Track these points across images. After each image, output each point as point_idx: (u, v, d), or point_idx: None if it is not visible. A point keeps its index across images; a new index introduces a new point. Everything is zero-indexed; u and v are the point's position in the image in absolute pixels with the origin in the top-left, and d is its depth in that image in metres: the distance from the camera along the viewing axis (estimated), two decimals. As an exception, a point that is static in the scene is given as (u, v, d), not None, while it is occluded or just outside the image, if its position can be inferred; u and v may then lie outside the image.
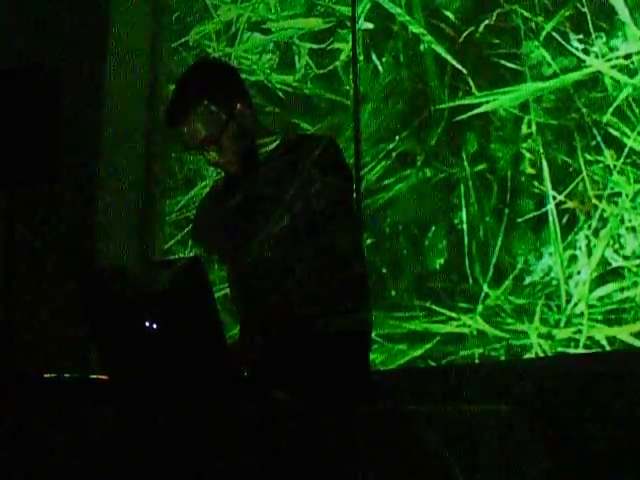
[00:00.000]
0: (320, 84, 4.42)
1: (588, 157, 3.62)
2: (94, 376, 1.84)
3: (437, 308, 3.84)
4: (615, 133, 3.57)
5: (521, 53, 3.86)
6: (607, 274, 3.49)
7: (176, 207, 4.75)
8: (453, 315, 3.80)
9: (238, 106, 2.36)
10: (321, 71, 4.44)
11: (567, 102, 3.72)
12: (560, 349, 3.56)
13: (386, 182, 4.09)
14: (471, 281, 3.79)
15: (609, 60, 3.64)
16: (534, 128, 3.77)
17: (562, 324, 3.56)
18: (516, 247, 3.73)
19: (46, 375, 1.86)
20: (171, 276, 1.68)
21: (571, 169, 3.65)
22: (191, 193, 4.69)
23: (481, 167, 3.87)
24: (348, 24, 4.37)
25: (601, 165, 3.58)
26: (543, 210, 3.69)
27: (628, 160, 3.53)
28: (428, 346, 3.84)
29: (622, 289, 3.46)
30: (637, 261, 3.44)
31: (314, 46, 4.49)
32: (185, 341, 1.70)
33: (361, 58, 4.27)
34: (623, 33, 3.64)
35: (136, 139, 4.83)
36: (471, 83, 3.96)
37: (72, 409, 1.73)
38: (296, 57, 4.54)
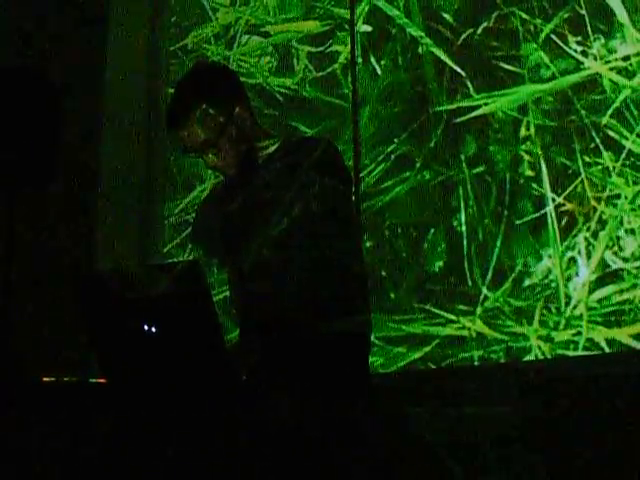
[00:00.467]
0: (319, 87, 4.43)
1: (587, 159, 3.62)
2: (93, 379, 1.84)
3: (436, 310, 3.84)
4: (614, 135, 3.58)
5: (520, 55, 3.86)
6: (606, 276, 3.49)
7: (175, 210, 4.75)
8: (452, 317, 3.80)
9: (237, 109, 2.37)
10: (320, 74, 4.44)
11: (566, 104, 3.72)
12: (559, 351, 3.56)
13: (385, 185, 4.09)
14: (470, 283, 3.79)
15: (608, 62, 3.64)
16: (533, 130, 3.77)
17: (561, 326, 3.56)
18: (515, 249, 3.73)
19: (45, 379, 1.86)
20: (170, 279, 1.68)
21: (570, 171, 3.65)
22: (190, 196, 4.69)
23: (480, 169, 3.87)
24: (347, 27, 4.37)
25: (600, 167, 3.59)
26: (542, 212, 3.69)
27: (627, 162, 3.53)
28: (427, 348, 3.84)
29: (621, 291, 3.46)
30: (636, 263, 3.44)
31: (313, 49, 4.49)
32: (184, 344, 1.70)
33: (360, 61, 4.28)
34: (621, 35, 3.64)
35: (135, 142, 4.83)
36: (470, 85, 3.96)
37: (71, 412, 1.73)
38: (295, 60, 4.54)
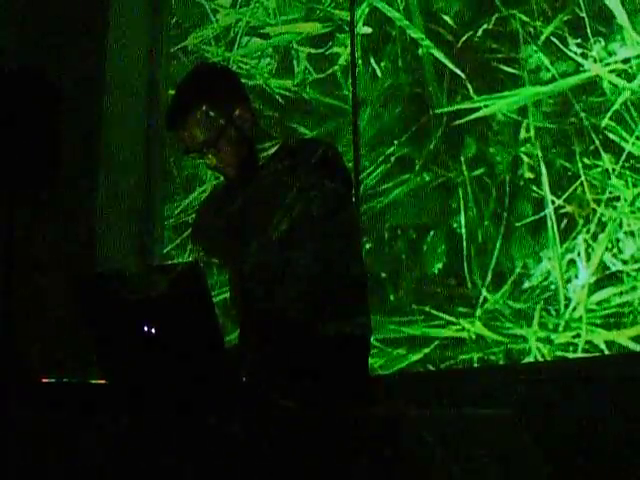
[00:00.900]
0: (319, 89, 4.43)
1: (587, 161, 3.62)
2: (93, 381, 1.84)
3: (436, 312, 3.85)
4: (613, 137, 3.58)
5: (520, 58, 3.86)
6: (606, 278, 3.50)
7: (175, 211, 4.75)
8: (452, 319, 3.80)
9: (237, 110, 2.37)
10: (320, 76, 4.44)
11: (565, 106, 3.72)
12: (559, 353, 3.56)
13: (385, 186, 4.09)
14: (470, 285, 3.79)
15: (607, 64, 3.65)
16: (533, 132, 3.77)
17: (561, 328, 3.57)
18: (515, 251, 3.73)
19: (45, 380, 1.86)
20: (170, 281, 1.68)
21: (570, 173, 3.66)
22: (190, 197, 4.69)
23: (480, 171, 3.87)
24: (347, 29, 4.38)
25: (600, 169, 3.59)
26: (542, 214, 3.69)
27: (627, 164, 3.54)
28: (427, 350, 3.84)
29: (621, 293, 3.46)
30: (636, 265, 3.44)
31: (313, 51, 4.49)
32: (184, 345, 1.70)
33: (360, 63, 4.28)
34: (621, 37, 3.64)
35: (135, 143, 4.83)
36: (470, 87, 3.96)
37: (71, 414, 1.73)
38: (295, 62, 4.55)
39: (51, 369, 3.80)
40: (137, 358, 1.76)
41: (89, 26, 4.71)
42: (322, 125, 4.37)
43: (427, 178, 3.99)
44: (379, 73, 4.24)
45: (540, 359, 3.59)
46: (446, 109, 4.00)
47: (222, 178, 2.50)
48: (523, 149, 3.79)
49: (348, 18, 4.36)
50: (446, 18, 4.09)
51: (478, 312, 3.75)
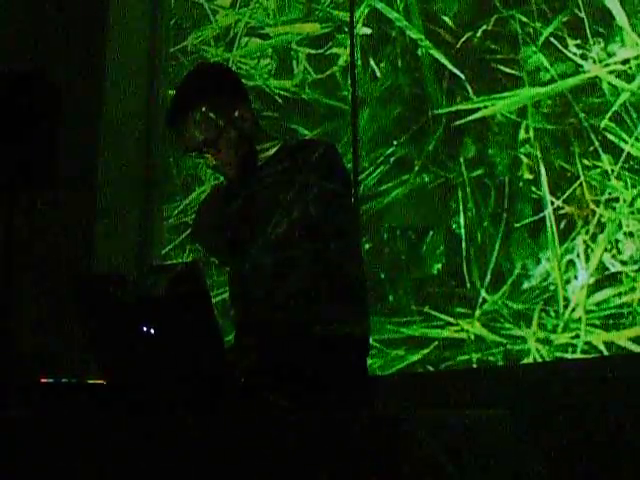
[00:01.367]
0: (318, 89, 4.43)
1: (586, 162, 3.63)
2: (92, 381, 1.84)
3: (435, 313, 3.85)
4: (613, 138, 3.58)
5: (519, 58, 3.87)
6: (605, 279, 3.50)
7: (175, 212, 4.75)
8: (451, 320, 3.80)
9: (237, 110, 2.37)
10: (319, 76, 4.44)
11: (565, 107, 3.73)
12: (558, 354, 3.56)
13: (384, 187, 4.09)
14: (469, 286, 3.79)
15: (607, 65, 3.65)
16: (532, 133, 3.78)
17: (560, 329, 3.57)
18: (514, 252, 3.73)
19: (44, 380, 1.86)
20: (169, 281, 1.68)
21: (569, 174, 3.66)
22: (190, 198, 4.70)
23: (479, 172, 3.88)
24: (346, 29, 4.38)
25: (599, 170, 3.59)
26: (541, 215, 3.69)
27: (626, 165, 3.54)
28: (426, 351, 3.84)
29: (620, 294, 3.46)
30: (635, 266, 3.45)
31: (312, 51, 4.49)
32: (183, 346, 1.70)
33: (359, 63, 4.28)
34: (621, 38, 3.64)
35: (134, 144, 4.83)
36: (469, 88, 3.96)
37: (69, 414, 1.73)
38: (294, 62, 4.55)
39: (50, 369, 3.80)
40: (136, 358, 1.76)
41: (89, 26, 4.71)
42: (321, 125, 4.37)
43: (426, 179, 3.99)
44: (378, 74, 4.24)
45: (539, 360, 3.59)
46: (445, 110, 4.00)
47: (222, 178, 2.50)
48: (522, 150, 3.79)
49: (347, 19, 4.37)
50: (445, 19, 4.09)
51: (477, 313, 3.75)
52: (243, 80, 2.54)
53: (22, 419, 1.70)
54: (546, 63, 3.79)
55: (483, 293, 3.75)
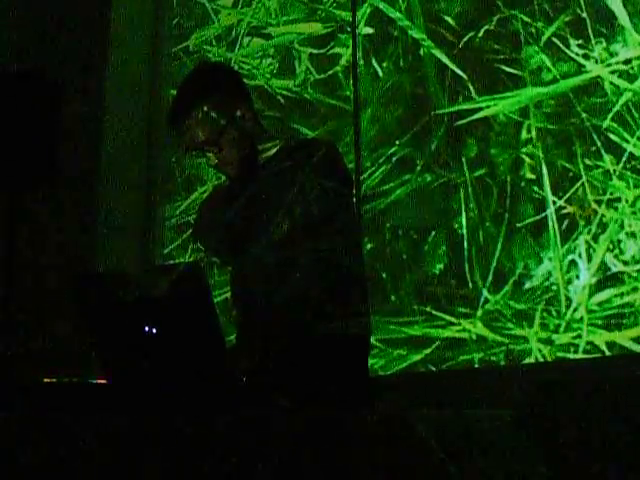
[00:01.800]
0: (320, 89, 4.43)
1: (588, 162, 3.62)
2: (93, 381, 1.84)
3: (437, 313, 3.84)
4: (615, 138, 3.58)
5: (521, 58, 3.86)
6: (607, 279, 3.49)
7: (176, 211, 4.75)
8: (453, 320, 3.80)
9: (239, 110, 2.37)
10: (321, 76, 4.44)
11: (567, 107, 3.72)
12: (560, 354, 3.56)
13: (386, 187, 4.09)
14: (471, 286, 3.79)
15: (609, 65, 3.64)
16: (534, 133, 3.77)
17: (562, 329, 3.56)
18: (516, 252, 3.73)
19: (46, 379, 1.86)
20: (171, 281, 1.68)
21: (571, 174, 3.66)
22: (191, 197, 4.69)
23: (481, 172, 3.87)
24: (348, 29, 4.38)
25: (601, 170, 3.59)
26: (543, 215, 3.69)
27: (628, 165, 3.53)
28: (428, 351, 3.84)
29: (622, 294, 3.46)
30: (637, 266, 3.44)
31: (314, 51, 4.49)
32: (185, 346, 1.70)
33: (361, 63, 4.28)
34: (623, 38, 3.64)
35: (136, 143, 4.83)
36: (471, 88, 3.96)
37: (71, 414, 1.73)
38: (296, 62, 4.55)
39: (52, 369, 3.81)
40: (138, 358, 1.76)
41: (91, 26, 4.71)
42: (323, 125, 4.37)
43: (428, 179, 3.99)
44: (380, 73, 4.24)
45: (541, 360, 3.59)
46: (447, 110, 4.00)
47: (223, 178, 2.50)
48: (524, 150, 3.79)
49: (350, 18, 4.37)
50: (447, 19, 4.09)
51: (479, 313, 3.75)
52: (245, 80, 2.54)
53: (23, 419, 1.70)
54: (548, 63, 3.79)
55: (485, 293, 3.75)
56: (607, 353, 3.47)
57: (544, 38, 3.82)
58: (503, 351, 3.68)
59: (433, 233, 3.94)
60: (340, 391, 2.16)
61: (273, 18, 4.69)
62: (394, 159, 4.10)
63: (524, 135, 3.80)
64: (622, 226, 3.50)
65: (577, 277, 3.57)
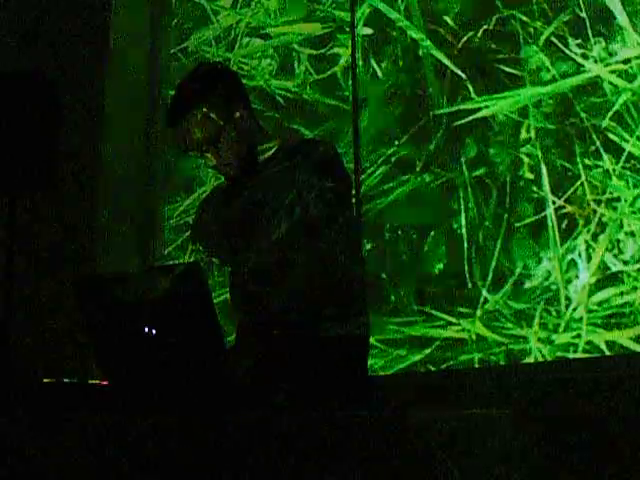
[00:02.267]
0: (319, 89, 4.43)
1: (587, 162, 3.62)
2: (93, 381, 1.84)
3: (436, 313, 3.85)
4: (614, 138, 3.58)
5: (520, 58, 3.86)
6: (606, 279, 3.49)
7: (175, 212, 4.75)
8: (452, 320, 3.80)
9: (237, 110, 2.37)
10: (320, 76, 4.44)
11: (566, 107, 3.72)
12: (559, 354, 3.56)
13: (385, 187, 4.09)
14: (470, 286, 3.79)
15: (608, 65, 3.65)
16: (533, 133, 3.77)
17: (561, 329, 3.57)
18: (515, 252, 3.73)
19: (45, 380, 1.86)
20: (170, 281, 1.68)
21: (570, 174, 3.66)
22: (191, 198, 4.70)
23: (480, 172, 3.87)
24: (347, 29, 4.38)
25: (600, 170, 3.59)
26: (542, 215, 3.69)
27: (627, 165, 3.53)
28: (427, 351, 3.84)
29: (621, 294, 3.46)
30: (636, 266, 3.44)
31: (313, 51, 4.50)
32: (184, 346, 1.70)
33: (360, 63, 4.28)
34: (622, 38, 3.64)
35: (135, 144, 4.83)
36: (470, 88, 3.96)
37: (71, 414, 1.73)
38: (295, 62, 4.55)
39: (51, 370, 3.81)
40: (137, 359, 1.76)
41: (90, 27, 4.71)
42: (322, 125, 4.37)
43: (427, 179, 3.99)
44: (380, 74, 4.24)
45: (541, 359, 3.59)
46: (446, 110, 4.00)
47: (222, 178, 2.50)
48: (523, 150, 3.79)
49: (349, 19, 4.37)
50: (446, 19, 4.09)
51: (479, 312, 3.75)
52: (244, 80, 2.54)
53: (23, 419, 1.70)
54: (547, 63, 3.79)
55: (484, 293, 3.75)
56: (607, 352, 3.47)
57: (543, 38, 3.82)
58: (503, 351, 3.68)
59: (432, 233, 3.94)
60: (340, 391, 2.16)
61: (272, 19, 4.69)
62: (393, 159, 4.11)
63: (523, 135, 3.80)
64: (621, 226, 3.50)
65: (576, 277, 3.57)
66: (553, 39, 3.80)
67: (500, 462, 1.67)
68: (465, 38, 4.02)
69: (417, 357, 3.86)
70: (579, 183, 3.63)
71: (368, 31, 4.31)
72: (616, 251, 3.50)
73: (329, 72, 4.42)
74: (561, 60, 3.77)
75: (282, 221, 2.29)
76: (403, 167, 4.07)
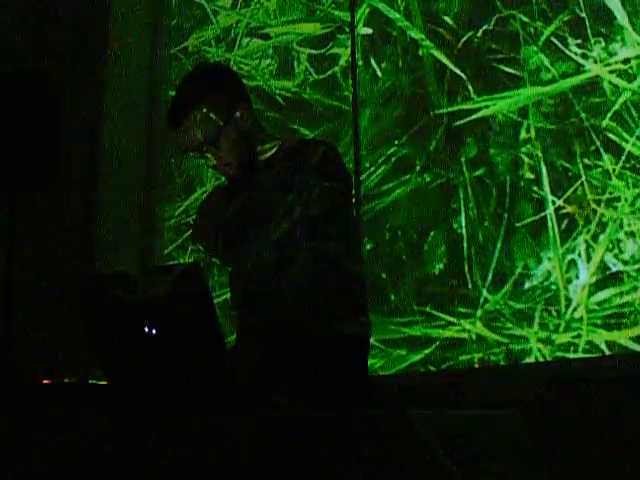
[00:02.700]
0: (319, 89, 4.43)
1: (587, 162, 3.62)
2: (93, 381, 1.84)
3: (436, 313, 3.85)
4: (614, 138, 3.58)
5: (520, 58, 3.86)
6: (606, 279, 3.49)
7: (176, 212, 4.75)
8: (452, 320, 3.80)
9: (238, 110, 2.37)
10: (320, 76, 4.44)
11: (566, 107, 3.72)
12: (559, 354, 3.56)
13: (385, 187, 4.09)
14: (470, 286, 3.79)
15: (608, 65, 3.65)
16: (533, 133, 3.77)
17: (561, 329, 3.57)
18: (515, 252, 3.73)
19: (45, 380, 1.86)
20: (171, 282, 1.68)
21: (570, 174, 3.66)
22: (191, 198, 4.70)
23: (480, 172, 3.87)
24: (347, 29, 4.38)
25: (600, 170, 3.59)
26: (542, 215, 3.69)
27: (627, 165, 3.53)
28: (427, 351, 3.84)
29: (621, 294, 3.46)
30: (636, 266, 3.44)
31: (313, 51, 4.50)
32: (184, 347, 1.71)
33: (360, 63, 4.28)
34: (622, 38, 3.64)
35: (136, 144, 4.84)
36: (470, 88, 3.96)
37: (71, 414, 1.73)
38: (295, 62, 4.55)
39: (52, 370, 3.81)
40: (138, 359, 1.76)
41: (90, 27, 4.71)
42: (322, 126, 4.37)
43: (427, 179, 3.99)
44: (379, 74, 4.24)
45: (541, 359, 3.59)
46: (446, 110, 4.00)
47: (223, 179, 2.50)
48: (523, 149, 3.79)
49: (348, 19, 4.37)
50: (446, 19, 4.09)
51: (479, 312, 3.75)
52: (244, 80, 2.54)
53: (23, 420, 1.70)
54: (547, 63, 3.79)
55: (484, 293, 3.75)
56: (607, 353, 3.47)
57: (543, 38, 3.82)
58: (503, 351, 3.68)
59: (432, 233, 3.94)
60: (340, 391, 2.16)
61: (272, 19, 4.69)
62: (393, 159, 4.11)
63: (523, 135, 3.80)
64: (621, 225, 3.50)
65: (577, 277, 3.57)
66: (553, 39, 3.80)
67: (500, 462, 1.67)
68: (465, 38, 4.02)
69: (417, 357, 3.86)
70: (579, 183, 3.63)
71: (368, 31, 4.31)
72: (616, 251, 3.50)
73: (329, 72, 4.42)
74: (561, 60, 3.77)
75: (282, 221, 2.29)
76: (403, 167, 4.07)
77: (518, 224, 3.74)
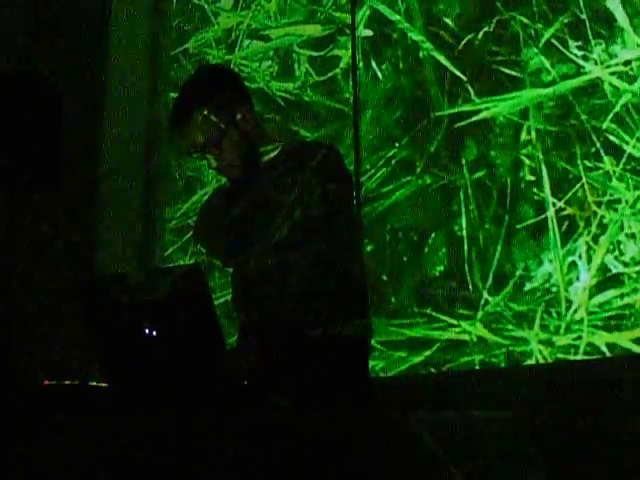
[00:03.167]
0: (320, 91, 4.43)
1: (587, 164, 3.62)
2: (93, 383, 1.84)
3: (437, 315, 3.84)
4: (614, 140, 3.58)
5: (520, 60, 3.87)
6: (607, 280, 3.49)
7: (176, 214, 4.75)
8: (453, 322, 3.80)
9: (239, 112, 2.37)
10: (321, 78, 4.45)
11: (566, 109, 3.72)
12: (560, 355, 3.56)
13: (386, 189, 4.09)
14: (471, 288, 3.79)
15: (608, 67, 3.65)
16: (533, 135, 3.77)
17: (562, 330, 3.56)
18: (516, 254, 3.73)
19: (45, 382, 1.86)
20: (171, 283, 1.68)
21: (571, 176, 3.66)
22: (191, 200, 4.70)
23: (481, 174, 3.87)
24: (348, 31, 4.38)
25: (600, 172, 3.59)
26: (543, 217, 3.69)
27: (627, 166, 3.53)
28: (428, 353, 3.84)
29: (622, 295, 3.46)
30: (637, 267, 3.44)
31: (314, 53, 4.50)
32: (185, 348, 1.71)
33: (361, 65, 4.28)
34: (622, 40, 3.64)
35: (136, 146, 4.84)
36: (470, 90, 3.96)
37: (71, 416, 1.73)
38: (296, 64, 4.55)
39: (52, 371, 3.81)
40: (138, 360, 1.76)
41: (91, 28, 4.72)
42: (323, 128, 4.37)
43: (428, 180, 3.99)
44: (380, 76, 4.24)
45: (541, 361, 3.59)
46: (447, 111, 4.00)
47: (224, 180, 2.50)
48: (524, 151, 3.79)
49: (349, 21, 4.37)
50: (447, 20, 4.09)
51: (479, 314, 3.75)
52: (245, 82, 2.55)
53: (24, 421, 1.70)
54: (547, 64, 3.79)
55: (485, 295, 3.75)
56: (607, 354, 3.47)
57: (543, 40, 3.82)
58: (503, 353, 3.68)
59: (433, 235, 3.94)
60: (341, 393, 2.16)
61: (272, 21, 4.69)
62: (394, 161, 4.11)
63: (524, 137, 3.80)
64: (622, 227, 3.50)
65: (577, 278, 3.57)
66: (553, 41, 3.80)
67: (500, 464, 1.67)
68: (465, 40, 4.02)
69: (418, 359, 3.86)
70: (579, 185, 3.63)
71: (368, 33, 4.31)
72: (617, 253, 3.50)
73: (329, 74, 4.42)
74: (561, 62, 3.77)
75: (284, 223, 2.29)
76: (404, 169, 4.07)
77: (519, 226, 3.74)
